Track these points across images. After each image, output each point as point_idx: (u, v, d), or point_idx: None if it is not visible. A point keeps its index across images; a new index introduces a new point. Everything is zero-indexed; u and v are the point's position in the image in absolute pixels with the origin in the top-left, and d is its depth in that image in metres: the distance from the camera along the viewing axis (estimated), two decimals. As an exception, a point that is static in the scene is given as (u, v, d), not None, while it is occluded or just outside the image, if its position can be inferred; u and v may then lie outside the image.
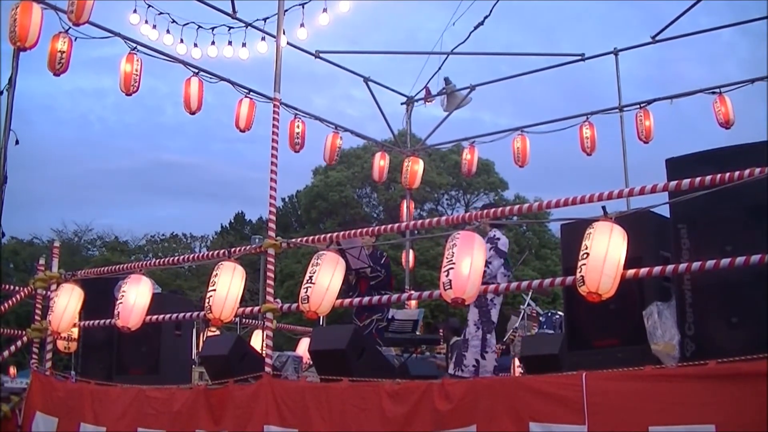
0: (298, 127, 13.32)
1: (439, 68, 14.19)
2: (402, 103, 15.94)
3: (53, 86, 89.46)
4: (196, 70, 11.50)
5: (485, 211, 8.47)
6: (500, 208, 8.09)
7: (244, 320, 14.18)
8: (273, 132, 9.01)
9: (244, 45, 12.97)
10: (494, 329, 10.35)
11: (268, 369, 8.08)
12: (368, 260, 10.84)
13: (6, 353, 10.71)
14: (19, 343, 10.56)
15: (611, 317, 6.97)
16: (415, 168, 15.44)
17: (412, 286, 15.52)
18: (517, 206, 8.16)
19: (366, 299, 9.26)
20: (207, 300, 8.25)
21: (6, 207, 9.06)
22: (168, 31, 12.58)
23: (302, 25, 12.42)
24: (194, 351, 13.09)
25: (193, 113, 11.55)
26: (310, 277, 7.78)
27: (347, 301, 9.07)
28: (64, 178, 78.57)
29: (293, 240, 10.48)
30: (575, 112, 14.04)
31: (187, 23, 12.62)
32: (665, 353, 6.34)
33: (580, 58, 14.35)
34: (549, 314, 13.17)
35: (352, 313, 10.93)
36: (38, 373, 9.87)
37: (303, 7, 12.20)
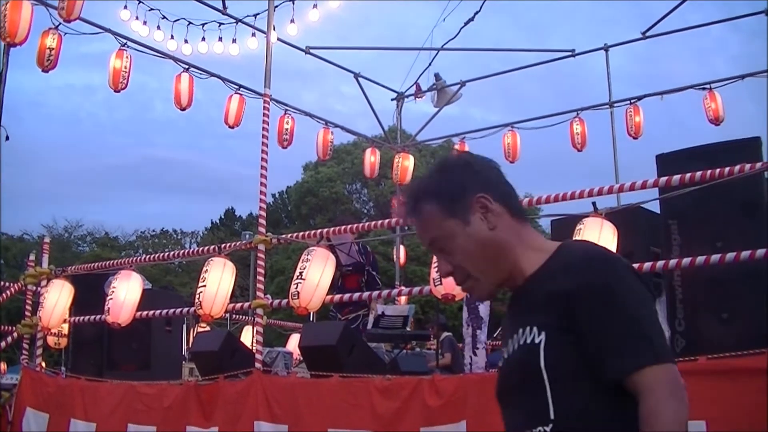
0: (287, 123, 13.29)
1: (429, 64, 14.16)
2: (392, 99, 15.90)
3: (43, 82, 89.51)
4: (187, 66, 11.46)
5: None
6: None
7: (234, 316, 14.19)
8: (263, 128, 9.01)
9: (234, 41, 12.95)
10: (484, 325, 10.34)
11: (258, 365, 8.08)
12: (358, 257, 10.84)
13: (-4, 349, 10.72)
14: (9, 339, 10.56)
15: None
16: (406, 164, 15.40)
17: (402, 282, 15.50)
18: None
19: (356, 295, 9.26)
20: (197, 296, 8.27)
21: (-4, 203, 9.04)
22: (158, 27, 12.56)
23: (292, 21, 12.40)
24: (184, 347, 13.09)
25: (183, 109, 11.51)
26: (301, 273, 7.80)
27: (337, 297, 9.08)
28: (54, 174, 78.67)
29: (283, 236, 10.50)
30: (565, 109, 14.05)
31: (178, 19, 12.60)
32: (655, 349, 6.34)
33: (570, 54, 14.34)
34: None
35: (333, 307, 10.86)
36: (29, 369, 9.86)
37: (293, 3, 12.19)
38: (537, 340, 2.33)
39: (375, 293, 10.00)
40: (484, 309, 10.26)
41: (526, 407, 2.35)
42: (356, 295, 9.51)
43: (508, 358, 2.50)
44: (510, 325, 2.53)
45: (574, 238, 6.32)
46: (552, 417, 2.27)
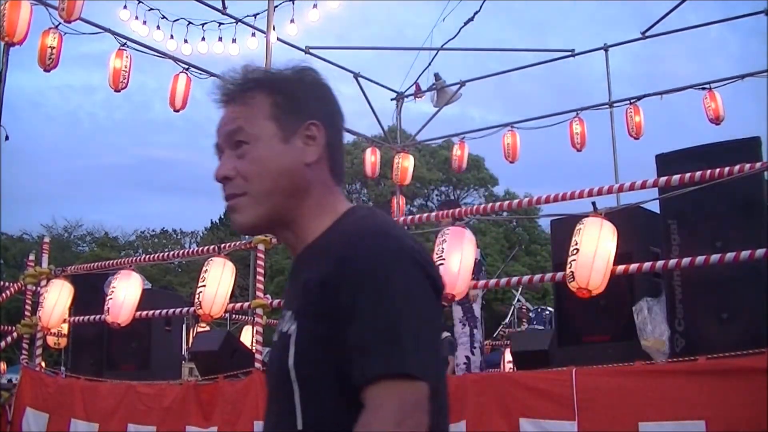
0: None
1: (429, 64, 14.17)
2: (392, 99, 15.90)
3: (42, 82, 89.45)
4: (186, 66, 11.47)
5: (475, 206, 8.49)
6: (491, 204, 8.11)
7: (234, 316, 14.19)
8: (263, 128, 9.01)
9: (234, 41, 12.95)
10: (479, 324, 10.33)
11: (258, 365, 8.07)
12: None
13: (-4, 349, 10.71)
14: (9, 339, 10.55)
15: (601, 313, 6.99)
16: (405, 164, 15.40)
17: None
18: (507, 202, 8.17)
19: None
20: (197, 296, 8.26)
21: (-4, 203, 9.06)
22: (158, 27, 12.57)
23: (292, 21, 12.41)
24: (184, 347, 13.09)
25: (177, 110, 11.49)
26: (300, 273, 7.79)
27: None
28: (53, 174, 78.80)
29: (283, 236, 10.45)
30: (565, 108, 14.05)
31: (177, 19, 12.62)
32: (655, 349, 6.36)
33: (569, 54, 14.34)
34: (539, 310, 13.22)
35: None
36: (28, 368, 9.85)
37: (293, 3, 12.20)
38: (290, 330, 1.96)
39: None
40: (478, 308, 10.26)
41: (278, 410, 2.01)
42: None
43: (274, 343, 2.07)
44: (284, 300, 2.18)
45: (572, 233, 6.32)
46: (300, 428, 1.91)
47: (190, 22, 12.66)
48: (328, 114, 2.20)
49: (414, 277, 1.91)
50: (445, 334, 12.29)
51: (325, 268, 1.92)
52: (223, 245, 9.24)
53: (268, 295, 9.11)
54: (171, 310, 9.59)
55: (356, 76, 14.80)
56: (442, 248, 6.82)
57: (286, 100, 2.15)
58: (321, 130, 2.14)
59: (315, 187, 2.14)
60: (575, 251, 6.19)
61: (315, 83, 2.23)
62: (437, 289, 2.00)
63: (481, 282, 8.96)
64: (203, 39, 12.88)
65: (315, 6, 12.41)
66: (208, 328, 13.07)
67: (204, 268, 8.31)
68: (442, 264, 6.76)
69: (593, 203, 6.57)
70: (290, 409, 1.91)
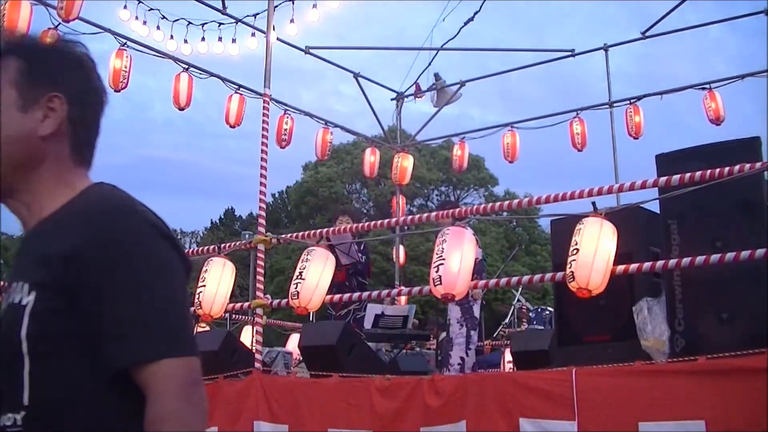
0: (286, 123, 13.26)
1: (429, 64, 14.12)
2: (392, 99, 15.87)
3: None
4: (186, 66, 11.46)
5: (475, 206, 8.48)
6: (491, 204, 8.10)
7: (234, 316, 14.17)
8: (263, 128, 9.02)
9: (234, 41, 12.93)
10: (477, 326, 10.31)
11: (258, 365, 8.08)
12: (358, 256, 10.83)
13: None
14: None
15: (601, 313, 6.98)
16: (405, 164, 15.36)
17: (402, 282, 15.48)
18: (507, 202, 8.17)
19: (356, 295, 9.27)
20: (197, 296, 8.26)
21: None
22: (158, 27, 12.54)
23: (292, 21, 12.38)
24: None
25: (182, 109, 11.50)
26: (300, 273, 7.80)
27: (337, 296, 9.08)
28: (53, 174, 78.58)
29: (283, 236, 10.49)
30: (565, 108, 14.03)
31: (177, 19, 12.58)
32: (655, 349, 6.36)
33: (569, 54, 14.32)
34: (539, 310, 13.19)
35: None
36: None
37: (293, 3, 12.18)
38: (24, 302, 1.89)
39: (375, 293, 10.01)
40: (477, 309, 10.25)
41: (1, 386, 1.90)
42: (357, 295, 9.51)
43: (2, 316, 1.99)
44: (12, 275, 2.05)
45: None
46: (25, 403, 1.84)
47: (190, 22, 12.64)
48: (77, 89, 2.12)
49: (165, 252, 1.96)
50: (444, 334, 12.31)
51: (70, 241, 1.89)
52: (222, 245, 9.24)
53: (268, 295, 9.14)
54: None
55: (356, 76, 14.77)
56: (442, 248, 6.83)
57: (32, 67, 2.07)
58: (63, 104, 2.07)
59: (50, 161, 2.08)
60: (575, 251, 6.20)
61: (72, 57, 2.15)
62: (184, 259, 2.05)
63: (481, 282, 8.95)
64: (203, 39, 12.85)
65: (315, 6, 12.38)
66: (208, 328, 13.06)
67: (204, 268, 8.32)
68: (442, 264, 6.77)
69: (593, 203, 6.57)
70: (16, 384, 1.86)
